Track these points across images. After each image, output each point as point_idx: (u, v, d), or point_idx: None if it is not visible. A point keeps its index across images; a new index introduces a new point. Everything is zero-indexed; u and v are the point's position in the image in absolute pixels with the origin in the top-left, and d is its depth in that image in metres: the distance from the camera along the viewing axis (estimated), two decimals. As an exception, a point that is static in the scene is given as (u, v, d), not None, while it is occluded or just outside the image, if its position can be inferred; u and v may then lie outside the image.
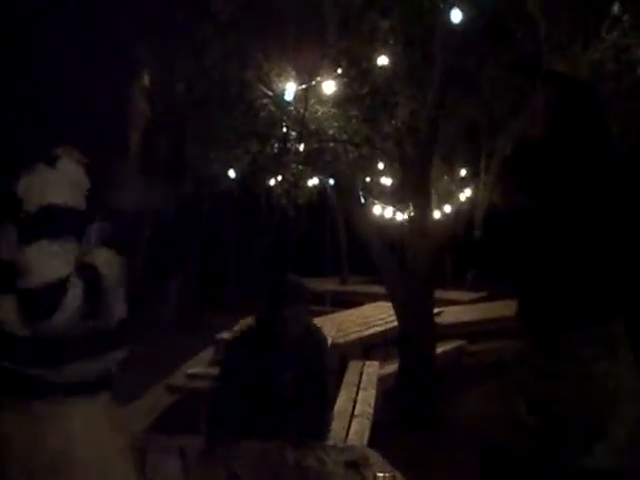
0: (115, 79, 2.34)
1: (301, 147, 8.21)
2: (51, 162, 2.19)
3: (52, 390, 2.23)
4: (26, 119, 2.27)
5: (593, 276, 3.13)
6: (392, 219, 11.40)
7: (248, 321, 4.68)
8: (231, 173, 9.67)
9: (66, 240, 2.13)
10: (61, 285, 2.08)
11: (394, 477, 3.57)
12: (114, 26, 2.35)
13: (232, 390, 4.30)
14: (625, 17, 5.84)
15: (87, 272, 2.16)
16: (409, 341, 8.20)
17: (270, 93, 7.53)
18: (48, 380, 2.22)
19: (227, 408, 4.26)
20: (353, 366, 8.61)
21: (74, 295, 2.08)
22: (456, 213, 10.91)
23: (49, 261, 2.08)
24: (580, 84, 3.53)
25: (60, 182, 2.17)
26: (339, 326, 9.75)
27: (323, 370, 4.57)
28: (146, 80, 2.49)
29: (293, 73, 7.50)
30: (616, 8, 5.80)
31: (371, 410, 6.91)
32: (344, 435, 6.06)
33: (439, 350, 8.83)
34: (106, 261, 2.23)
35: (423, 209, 7.97)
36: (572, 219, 3.13)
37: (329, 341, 6.89)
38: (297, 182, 10.18)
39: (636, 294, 3.26)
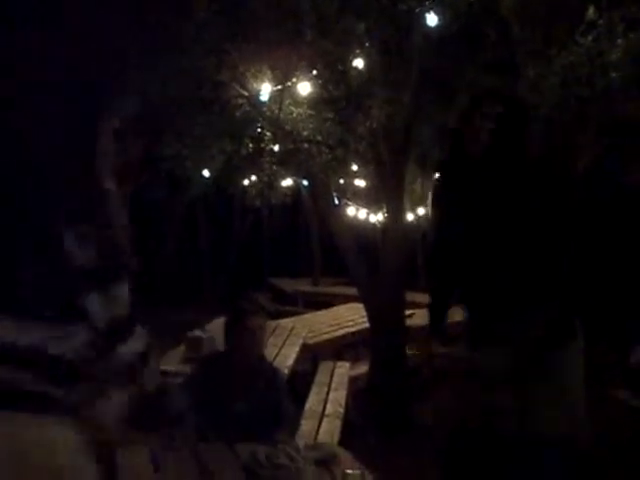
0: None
1: (276, 148, 8.22)
2: None
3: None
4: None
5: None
6: (365, 221, 11.44)
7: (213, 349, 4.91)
8: (205, 173, 9.68)
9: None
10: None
11: (363, 475, 3.61)
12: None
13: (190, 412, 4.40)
14: (600, 21, 5.89)
15: None
16: (380, 342, 8.24)
17: (245, 93, 7.53)
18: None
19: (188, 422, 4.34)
20: (324, 366, 8.65)
21: None
22: (428, 216, 10.96)
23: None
24: (516, 104, 3.76)
25: None
26: (311, 327, 9.78)
27: (277, 401, 4.61)
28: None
29: (268, 74, 7.51)
30: (591, 12, 5.84)
31: (342, 410, 6.94)
32: (315, 434, 6.10)
33: (410, 352, 8.88)
34: None
35: (397, 211, 8.01)
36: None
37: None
38: (271, 183, 10.20)
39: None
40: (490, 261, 3.52)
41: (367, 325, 8.89)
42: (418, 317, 10.70)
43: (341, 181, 10.68)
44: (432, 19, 6.44)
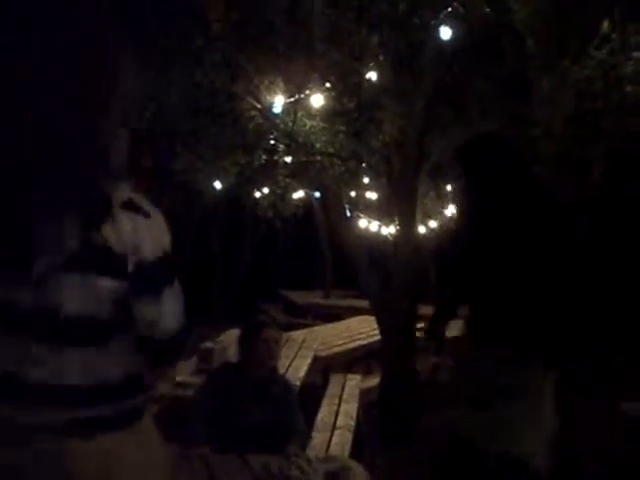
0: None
1: (288, 160, 8.23)
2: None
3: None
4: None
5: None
6: (377, 233, 11.43)
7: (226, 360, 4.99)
8: (217, 185, 9.69)
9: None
10: (185, 330, 2.09)
11: (375, 487, 3.60)
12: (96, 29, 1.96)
13: (203, 422, 4.44)
14: (614, 35, 5.89)
15: None
16: (392, 355, 8.22)
17: (259, 105, 7.54)
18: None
19: (200, 433, 4.38)
20: (335, 379, 8.64)
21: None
22: (441, 229, 10.95)
23: (174, 309, 2.04)
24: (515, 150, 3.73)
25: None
26: (322, 339, 9.77)
27: (289, 414, 4.62)
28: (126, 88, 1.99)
29: (282, 86, 7.52)
30: (605, 26, 5.85)
31: (353, 422, 6.93)
32: (326, 446, 6.09)
33: (421, 365, 8.86)
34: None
35: (409, 224, 7.99)
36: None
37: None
38: (284, 195, 10.21)
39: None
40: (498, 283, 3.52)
41: (378, 338, 8.87)
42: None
43: (353, 194, 10.67)
44: (446, 32, 6.43)
